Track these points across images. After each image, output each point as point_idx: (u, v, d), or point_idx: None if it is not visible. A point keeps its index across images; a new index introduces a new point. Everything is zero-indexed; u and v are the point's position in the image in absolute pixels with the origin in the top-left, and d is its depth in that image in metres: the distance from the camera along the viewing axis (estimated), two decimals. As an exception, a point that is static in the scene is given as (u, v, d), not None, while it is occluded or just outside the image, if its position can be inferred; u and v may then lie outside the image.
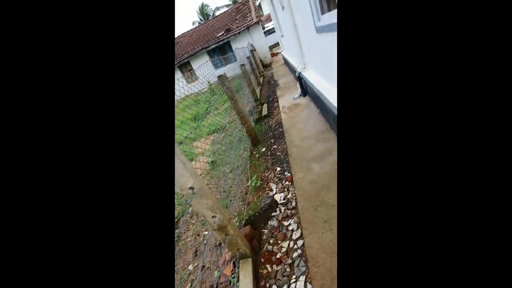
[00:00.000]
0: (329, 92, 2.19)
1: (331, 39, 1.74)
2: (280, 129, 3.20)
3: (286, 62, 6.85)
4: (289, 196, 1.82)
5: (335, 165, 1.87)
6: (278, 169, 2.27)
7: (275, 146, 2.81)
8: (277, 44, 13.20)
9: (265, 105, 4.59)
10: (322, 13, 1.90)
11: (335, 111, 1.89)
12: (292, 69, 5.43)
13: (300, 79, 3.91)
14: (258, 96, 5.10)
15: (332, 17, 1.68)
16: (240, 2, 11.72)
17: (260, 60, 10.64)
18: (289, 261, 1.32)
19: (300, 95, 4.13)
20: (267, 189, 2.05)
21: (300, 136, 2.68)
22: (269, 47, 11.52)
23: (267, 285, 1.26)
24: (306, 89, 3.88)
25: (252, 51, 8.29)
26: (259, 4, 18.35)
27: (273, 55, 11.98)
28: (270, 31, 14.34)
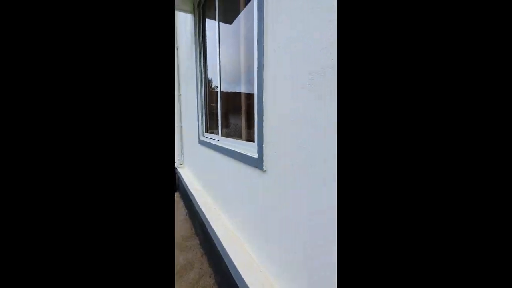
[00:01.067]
0: (200, 195, 2.28)
1: (208, 152, 2.05)
2: (136, 229, 2.60)
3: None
4: None
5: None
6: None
7: (121, 254, 2.12)
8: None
9: (124, 193, 3.79)
10: (206, 131, 2.31)
11: (202, 217, 1.91)
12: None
13: (175, 173, 3.87)
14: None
15: (209, 137, 2.07)
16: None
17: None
18: None
19: (171, 190, 3.93)
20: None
21: (160, 241, 2.28)
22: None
23: None
24: (178, 185, 3.80)
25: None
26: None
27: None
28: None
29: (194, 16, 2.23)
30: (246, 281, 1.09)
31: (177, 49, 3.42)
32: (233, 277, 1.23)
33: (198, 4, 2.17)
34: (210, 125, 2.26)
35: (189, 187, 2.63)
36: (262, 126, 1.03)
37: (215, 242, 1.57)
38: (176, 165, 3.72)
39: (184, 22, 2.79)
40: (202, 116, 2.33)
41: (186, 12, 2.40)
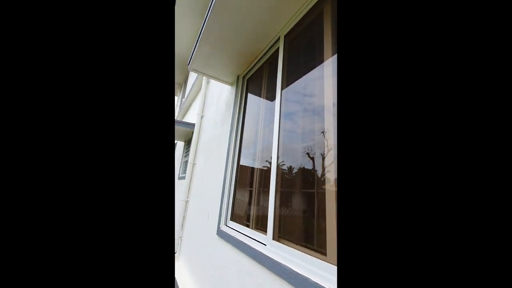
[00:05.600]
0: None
1: (235, 256, 1.36)
2: None
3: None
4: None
5: None
6: None
7: None
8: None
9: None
10: (230, 219, 1.69)
11: None
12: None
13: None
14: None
15: (241, 231, 1.44)
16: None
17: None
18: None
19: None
20: None
21: None
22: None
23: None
24: None
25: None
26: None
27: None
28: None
29: (237, 88, 2.10)
30: None
31: (201, 118, 3.29)
32: None
33: (244, 77, 2.08)
34: (240, 214, 1.66)
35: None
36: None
37: None
38: (168, 253, 2.80)
39: (218, 93, 2.72)
40: (228, 198, 1.77)
41: (225, 84, 2.33)
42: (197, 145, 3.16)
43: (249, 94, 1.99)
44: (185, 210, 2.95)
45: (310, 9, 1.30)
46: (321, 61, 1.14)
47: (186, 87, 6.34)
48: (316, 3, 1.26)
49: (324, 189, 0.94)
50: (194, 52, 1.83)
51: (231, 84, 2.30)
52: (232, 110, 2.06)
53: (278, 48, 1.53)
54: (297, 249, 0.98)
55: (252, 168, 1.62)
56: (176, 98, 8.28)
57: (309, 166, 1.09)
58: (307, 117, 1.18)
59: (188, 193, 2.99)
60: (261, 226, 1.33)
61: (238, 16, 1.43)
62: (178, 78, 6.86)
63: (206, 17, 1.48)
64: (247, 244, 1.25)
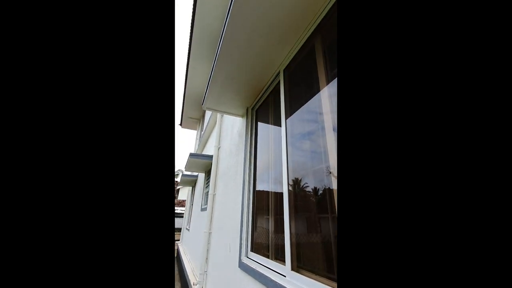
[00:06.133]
0: None
1: (252, 282, 1.31)
2: None
3: (179, 257, 5.66)
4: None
5: None
6: None
7: None
8: (178, 230, 12.30)
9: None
10: (251, 250, 1.67)
11: None
12: (182, 270, 4.26)
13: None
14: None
15: (261, 262, 1.41)
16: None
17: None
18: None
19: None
20: None
21: None
22: (168, 230, 10.37)
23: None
24: (192, 326, 2.63)
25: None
26: (178, 189, 20.06)
27: (168, 240, 10.44)
28: (177, 215, 14.06)
29: (247, 119, 2.24)
30: None
31: (218, 149, 3.46)
32: None
33: (252, 108, 2.23)
34: (259, 244, 1.64)
35: None
36: None
37: None
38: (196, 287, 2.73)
39: (231, 125, 2.90)
40: (247, 228, 1.78)
41: (236, 116, 2.49)
42: (216, 176, 3.27)
43: (259, 123, 2.10)
44: (208, 243, 2.94)
45: (303, 45, 1.43)
46: (317, 89, 1.22)
47: (204, 122, 6.79)
48: (308, 38, 1.39)
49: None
50: (206, 93, 2.05)
51: (242, 116, 2.45)
52: (244, 140, 2.17)
53: (279, 80, 1.66)
54: (317, 280, 0.94)
55: (268, 196, 1.63)
56: (195, 132, 8.82)
57: (323, 189, 1.10)
58: (312, 140, 1.22)
59: (210, 225, 3.01)
60: (280, 256, 1.29)
61: (240, 58, 1.62)
62: (196, 114, 7.42)
63: (214, 63, 1.69)
64: (268, 276, 1.22)
